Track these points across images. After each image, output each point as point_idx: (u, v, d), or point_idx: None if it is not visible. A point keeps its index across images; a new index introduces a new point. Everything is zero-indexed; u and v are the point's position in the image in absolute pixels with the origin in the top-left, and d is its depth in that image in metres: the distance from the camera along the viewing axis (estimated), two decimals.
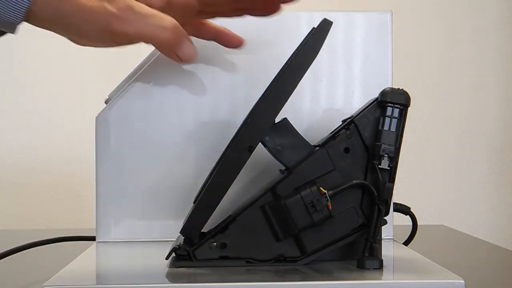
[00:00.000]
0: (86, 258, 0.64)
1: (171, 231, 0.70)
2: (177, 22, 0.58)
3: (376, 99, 0.58)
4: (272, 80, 0.61)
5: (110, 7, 0.55)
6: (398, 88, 0.57)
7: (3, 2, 0.55)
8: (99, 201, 0.71)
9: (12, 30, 0.57)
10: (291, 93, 0.56)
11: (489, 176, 1.70)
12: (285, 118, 0.58)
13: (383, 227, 0.57)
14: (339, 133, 0.58)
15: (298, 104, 0.72)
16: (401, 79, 0.72)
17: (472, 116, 1.70)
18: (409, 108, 0.57)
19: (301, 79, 0.56)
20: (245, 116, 0.70)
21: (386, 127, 0.57)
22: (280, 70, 0.59)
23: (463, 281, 0.51)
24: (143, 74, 0.71)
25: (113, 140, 0.71)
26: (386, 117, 0.57)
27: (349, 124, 0.58)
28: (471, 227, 1.59)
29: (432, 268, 0.57)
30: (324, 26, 0.57)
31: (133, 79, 0.71)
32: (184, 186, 0.71)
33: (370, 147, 0.57)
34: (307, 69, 0.56)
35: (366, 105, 0.58)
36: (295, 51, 0.59)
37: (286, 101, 0.56)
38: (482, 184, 1.70)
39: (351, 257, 0.58)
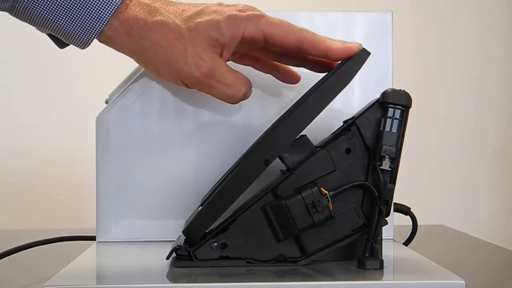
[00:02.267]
0: (86, 258, 0.64)
1: (171, 231, 0.70)
2: (248, 87, 0.59)
3: (378, 99, 0.58)
4: (300, 99, 0.61)
5: (194, 68, 0.56)
6: (400, 89, 0.57)
7: (76, 21, 0.56)
8: (100, 201, 0.71)
9: (82, 46, 0.58)
10: (317, 115, 0.56)
11: (489, 176, 1.70)
12: (305, 135, 0.58)
13: (383, 227, 0.57)
14: (340, 134, 0.58)
15: None
16: (402, 79, 0.72)
17: (473, 116, 1.70)
18: (410, 109, 0.57)
19: (329, 103, 0.56)
20: (244, 116, 0.71)
21: (387, 128, 0.57)
22: (310, 90, 0.60)
23: (463, 282, 0.51)
24: (144, 74, 0.71)
25: (113, 140, 0.71)
26: (388, 118, 0.57)
27: (351, 125, 0.58)
28: (471, 227, 1.59)
29: (433, 269, 0.57)
30: (362, 56, 0.57)
31: (133, 79, 0.71)
32: (184, 186, 0.71)
33: (371, 148, 0.57)
34: (337, 94, 0.56)
35: (368, 106, 0.58)
36: (328, 73, 0.59)
37: (311, 122, 0.56)
38: (482, 184, 1.70)
39: (352, 258, 0.58)
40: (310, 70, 0.62)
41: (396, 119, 0.57)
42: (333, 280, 0.53)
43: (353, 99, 0.72)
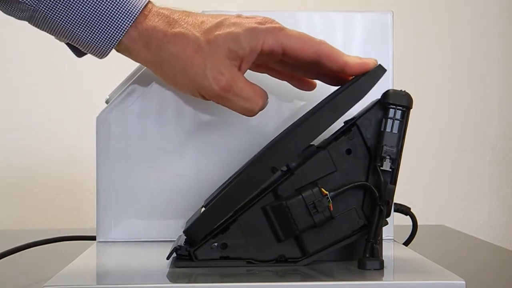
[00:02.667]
0: (86, 258, 0.64)
1: (171, 231, 0.70)
2: (265, 99, 0.59)
3: (378, 100, 0.58)
4: (311, 109, 0.61)
5: (212, 82, 0.56)
6: (401, 90, 0.57)
7: (95, 31, 0.56)
8: (100, 201, 0.71)
9: (101, 56, 0.58)
10: (328, 127, 0.56)
11: (489, 176, 1.70)
12: (313, 145, 0.58)
13: (383, 227, 0.57)
14: (341, 134, 0.58)
15: (299, 104, 0.71)
16: (402, 80, 0.72)
17: (473, 116, 1.70)
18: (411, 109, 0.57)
19: (341, 116, 0.56)
20: (244, 117, 0.70)
21: (388, 129, 0.57)
22: (322, 101, 0.60)
23: (464, 282, 0.51)
24: (144, 74, 0.71)
25: (113, 140, 0.71)
26: (389, 119, 0.57)
27: (351, 125, 0.58)
28: (471, 227, 1.59)
29: (433, 269, 0.57)
30: (378, 72, 0.57)
31: (133, 79, 0.71)
32: (184, 186, 0.71)
33: (372, 148, 0.57)
34: (349, 108, 0.56)
35: (368, 107, 0.58)
36: (342, 87, 0.60)
37: (321, 133, 0.56)
38: (482, 184, 1.70)
39: (352, 258, 0.58)
40: (325, 83, 0.62)
41: (397, 119, 0.57)
42: (333, 280, 0.53)
43: None
